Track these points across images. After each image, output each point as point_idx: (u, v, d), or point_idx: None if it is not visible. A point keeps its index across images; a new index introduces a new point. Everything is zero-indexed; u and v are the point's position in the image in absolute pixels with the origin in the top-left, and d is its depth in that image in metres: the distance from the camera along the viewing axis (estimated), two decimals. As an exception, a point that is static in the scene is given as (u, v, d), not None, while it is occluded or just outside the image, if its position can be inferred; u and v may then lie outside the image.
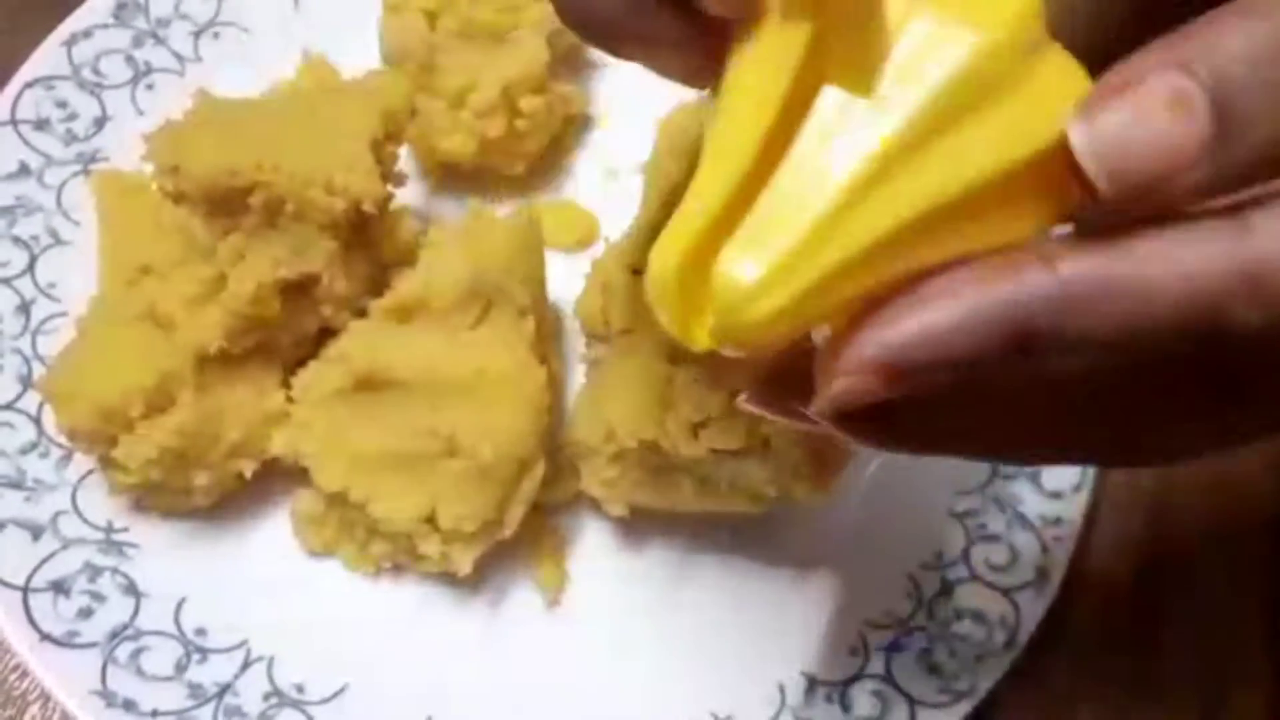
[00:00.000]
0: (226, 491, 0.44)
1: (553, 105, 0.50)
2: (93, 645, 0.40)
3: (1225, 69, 0.19)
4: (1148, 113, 0.19)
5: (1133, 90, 0.19)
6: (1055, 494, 0.45)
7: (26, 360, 0.45)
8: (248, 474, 0.43)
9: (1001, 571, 0.44)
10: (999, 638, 0.43)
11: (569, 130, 0.53)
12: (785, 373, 0.25)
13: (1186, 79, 0.18)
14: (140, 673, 0.40)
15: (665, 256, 0.21)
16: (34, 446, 0.44)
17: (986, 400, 0.24)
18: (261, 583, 0.43)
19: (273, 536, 0.44)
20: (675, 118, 0.49)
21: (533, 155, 0.51)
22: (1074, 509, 0.45)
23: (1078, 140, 0.19)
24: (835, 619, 0.44)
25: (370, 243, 0.45)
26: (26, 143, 0.49)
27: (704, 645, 0.44)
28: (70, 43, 0.51)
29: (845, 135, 0.21)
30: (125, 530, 0.43)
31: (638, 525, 0.45)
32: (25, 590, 0.41)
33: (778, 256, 0.20)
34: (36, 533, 0.42)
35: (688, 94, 0.49)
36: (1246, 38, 0.19)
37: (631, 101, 0.53)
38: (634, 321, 0.44)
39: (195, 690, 0.41)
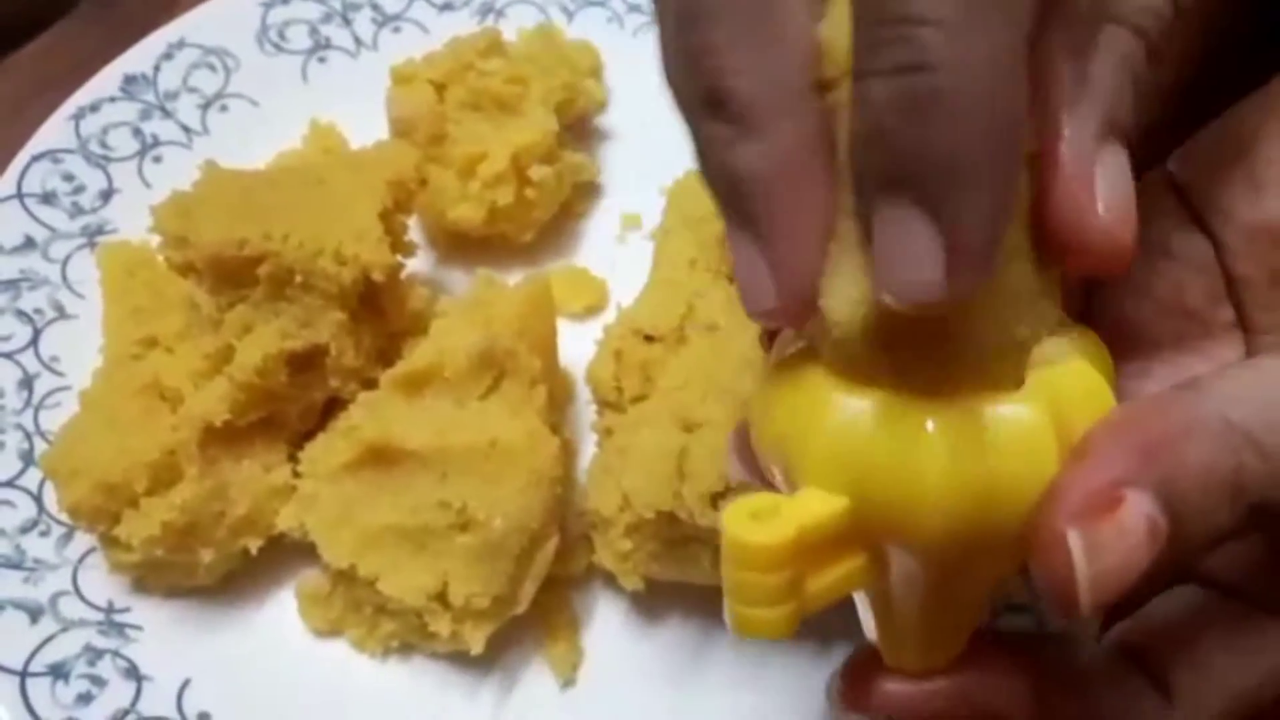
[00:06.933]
0: (231, 569, 0.43)
1: (562, 174, 0.50)
2: (92, 733, 0.39)
3: (1186, 493, 0.23)
4: (1133, 553, 0.23)
5: (1118, 525, 0.23)
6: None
7: (28, 436, 0.44)
8: (253, 550, 0.42)
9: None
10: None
11: (578, 197, 0.53)
12: None
13: (1159, 509, 0.23)
14: (141, 760, 0.39)
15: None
16: (34, 525, 0.43)
17: None
18: (268, 664, 0.42)
19: (279, 615, 0.43)
20: (683, 184, 0.49)
21: (542, 223, 0.51)
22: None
23: (1080, 582, 0.23)
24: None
25: (379, 313, 0.44)
26: (32, 216, 0.49)
27: (723, 723, 0.43)
28: (78, 116, 0.51)
29: None
30: (127, 611, 0.42)
31: (654, 599, 0.44)
32: (23, 675, 0.40)
33: None
34: (35, 614, 0.41)
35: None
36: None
37: (640, 168, 0.53)
38: (647, 388, 0.43)
39: (198, 778, 0.39)
